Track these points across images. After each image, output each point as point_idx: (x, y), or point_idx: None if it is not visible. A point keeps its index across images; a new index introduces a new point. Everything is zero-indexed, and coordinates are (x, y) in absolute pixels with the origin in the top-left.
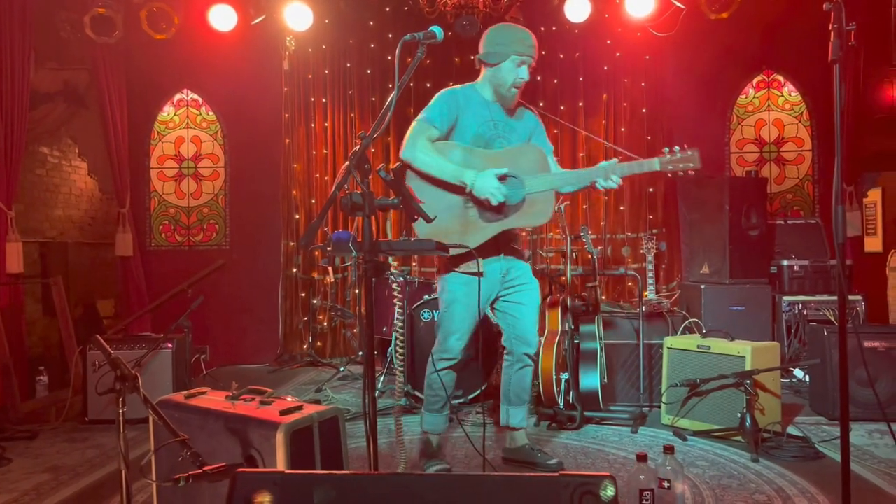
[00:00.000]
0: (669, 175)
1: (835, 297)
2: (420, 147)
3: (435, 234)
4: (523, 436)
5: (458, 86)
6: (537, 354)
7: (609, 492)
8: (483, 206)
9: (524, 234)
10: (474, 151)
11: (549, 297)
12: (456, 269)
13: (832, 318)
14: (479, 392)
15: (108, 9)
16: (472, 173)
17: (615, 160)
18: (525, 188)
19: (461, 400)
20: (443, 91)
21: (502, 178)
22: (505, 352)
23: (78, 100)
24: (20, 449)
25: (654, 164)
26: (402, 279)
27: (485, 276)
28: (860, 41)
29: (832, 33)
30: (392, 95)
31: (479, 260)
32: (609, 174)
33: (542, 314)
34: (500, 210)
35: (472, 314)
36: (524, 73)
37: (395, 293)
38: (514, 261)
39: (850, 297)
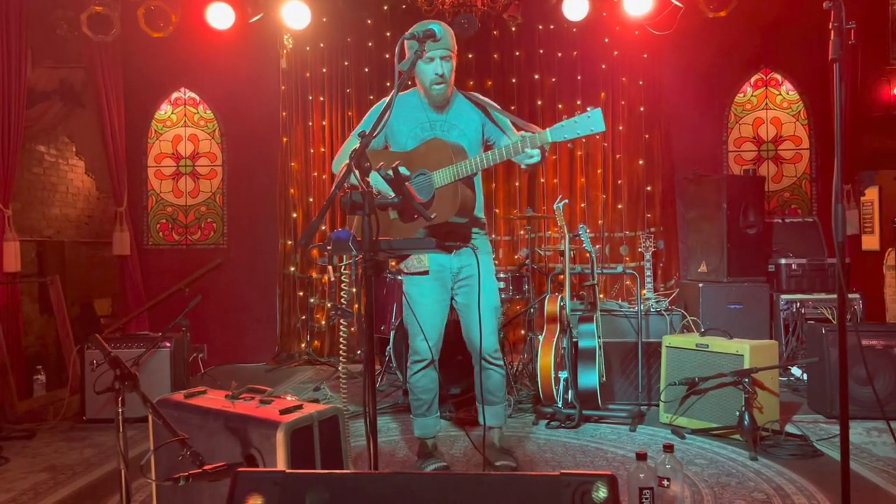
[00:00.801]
0: (570, 144)
1: (832, 296)
2: (338, 159)
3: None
4: (495, 434)
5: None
6: (495, 357)
7: (601, 493)
8: (396, 208)
9: (522, 232)
10: (386, 154)
11: (547, 296)
12: (405, 271)
13: (830, 317)
14: (458, 391)
15: (105, 7)
16: (374, 174)
17: (518, 139)
18: (434, 183)
19: (458, 396)
20: (379, 102)
21: (403, 177)
22: None
23: (75, 98)
24: (17, 448)
25: (545, 135)
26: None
27: (430, 273)
28: (858, 40)
29: (832, 32)
30: (391, 94)
31: (422, 257)
32: (519, 152)
33: (541, 312)
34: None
35: (429, 313)
36: (438, 68)
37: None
38: (467, 258)
39: (849, 296)
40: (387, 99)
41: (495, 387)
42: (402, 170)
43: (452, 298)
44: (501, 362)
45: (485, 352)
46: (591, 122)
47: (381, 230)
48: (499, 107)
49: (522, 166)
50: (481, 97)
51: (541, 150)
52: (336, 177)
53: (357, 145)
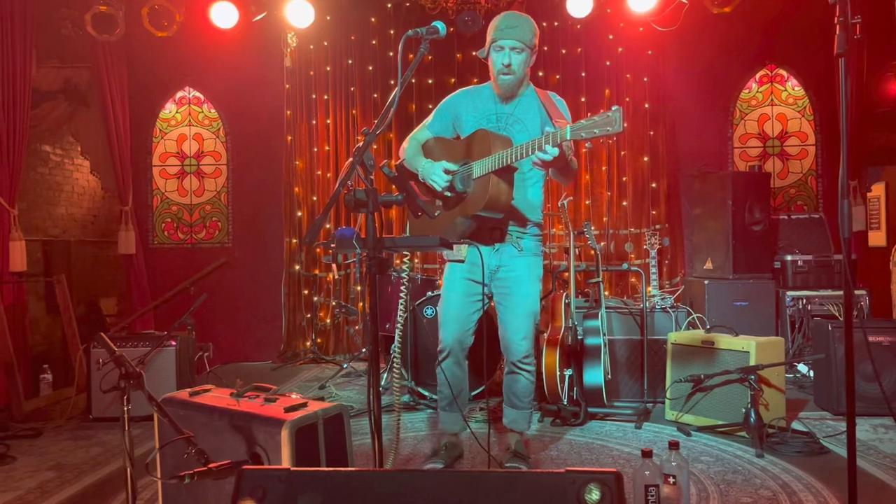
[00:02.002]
0: (589, 144)
1: (838, 292)
2: (403, 145)
3: (418, 229)
4: (513, 438)
5: (473, 86)
6: (525, 363)
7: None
8: (441, 196)
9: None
10: (439, 141)
11: (552, 293)
12: (446, 258)
13: (836, 313)
14: (481, 389)
15: (110, 6)
16: (426, 162)
17: (540, 137)
18: (472, 174)
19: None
20: (450, 95)
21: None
22: None
23: (80, 98)
24: (24, 447)
25: (565, 132)
26: (404, 275)
27: (466, 261)
28: (863, 35)
29: (838, 27)
30: (395, 92)
31: (462, 247)
32: (535, 150)
33: (546, 310)
34: (458, 199)
35: (455, 304)
36: (505, 58)
37: (403, 290)
38: (508, 257)
39: (855, 292)
40: (465, 89)
41: (522, 392)
42: (447, 164)
43: (491, 296)
44: (532, 368)
45: (515, 356)
46: (610, 121)
47: (431, 226)
48: (567, 114)
49: (546, 170)
50: (556, 98)
51: (560, 151)
52: (339, 174)
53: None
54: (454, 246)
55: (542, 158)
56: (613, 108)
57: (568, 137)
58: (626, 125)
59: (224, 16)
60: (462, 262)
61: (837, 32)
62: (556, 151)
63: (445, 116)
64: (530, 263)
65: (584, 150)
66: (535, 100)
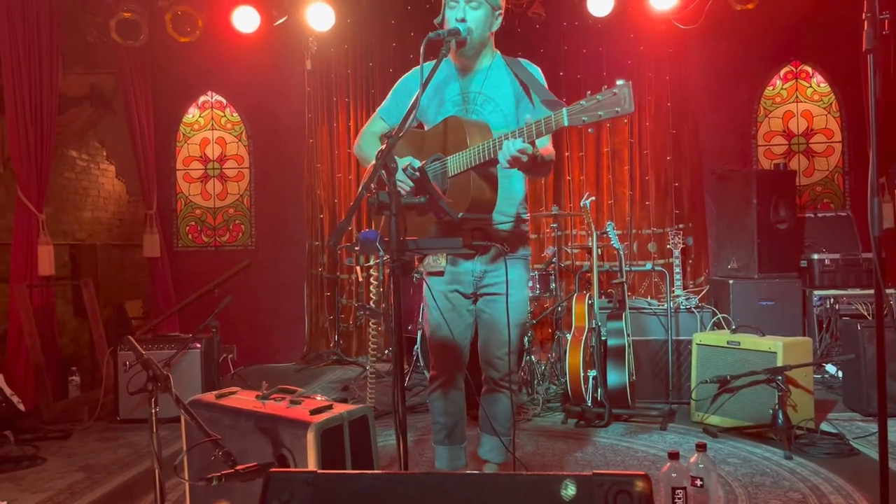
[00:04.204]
0: (590, 129)
1: (867, 291)
2: (358, 141)
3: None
4: (490, 470)
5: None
6: (508, 380)
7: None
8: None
9: (548, 230)
10: (407, 136)
11: (575, 294)
12: (424, 270)
13: (865, 313)
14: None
15: (134, 13)
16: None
17: (531, 123)
18: (448, 170)
19: None
20: (404, 76)
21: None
22: None
23: (105, 103)
24: (54, 448)
25: (561, 117)
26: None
27: (445, 274)
28: (892, 30)
29: (865, 22)
30: (417, 94)
31: (440, 257)
32: (531, 136)
33: (569, 310)
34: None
35: (444, 323)
36: (460, 12)
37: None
38: (496, 264)
39: (886, 291)
40: (413, 72)
41: (503, 414)
42: (411, 160)
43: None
44: (515, 387)
45: (499, 372)
46: (617, 99)
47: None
48: (544, 81)
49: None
50: (529, 65)
51: (533, 145)
52: (363, 177)
53: (378, 130)
54: (429, 257)
55: (519, 152)
56: (619, 83)
57: (566, 124)
58: (633, 107)
59: (246, 21)
60: (442, 274)
61: (866, 28)
62: (546, 142)
63: (403, 102)
64: (519, 265)
65: (605, 150)
66: (505, 72)
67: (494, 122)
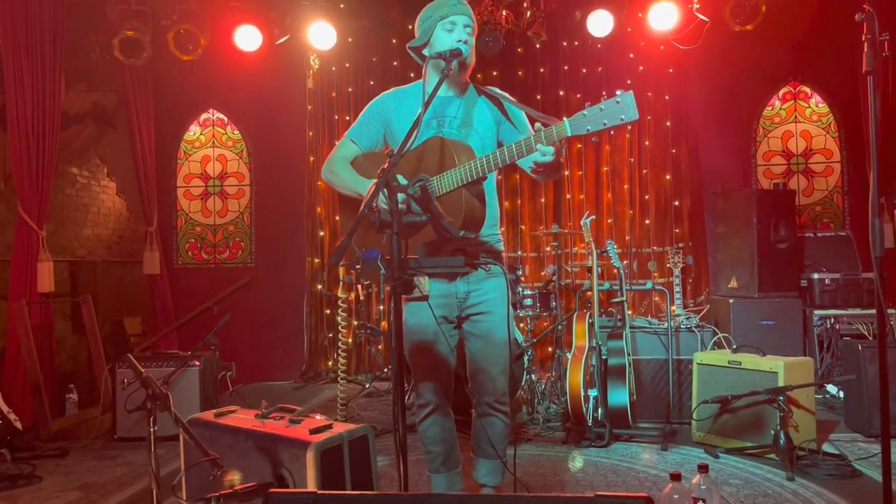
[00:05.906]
0: (594, 138)
1: (868, 311)
2: (328, 166)
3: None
4: (488, 493)
5: (398, 87)
6: (502, 402)
7: None
8: (425, 227)
9: (548, 248)
10: (370, 157)
11: (575, 313)
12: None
13: (865, 333)
14: None
15: (137, 31)
16: (367, 183)
17: (530, 136)
18: (434, 191)
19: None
20: (375, 99)
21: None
22: None
23: (107, 120)
24: (51, 467)
25: (563, 127)
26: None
27: (431, 299)
28: (891, 51)
29: (865, 44)
30: (419, 113)
31: (423, 281)
32: (532, 149)
33: (569, 329)
34: (415, 225)
35: (430, 350)
36: (462, 34)
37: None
38: (479, 281)
39: (888, 311)
40: (389, 92)
41: (498, 437)
42: (400, 178)
43: (459, 328)
44: (508, 409)
45: (492, 395)
46: (620, 108)
47: (381, 246)
48: (514, 99)
49: (531, 172)
50: (496, 90)
51: (556, 150)
52: (364, 197)
53: (360, 154)
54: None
55: (538, 162)
56: (620, 93)
57: (569, 133)
58: (637, 115)
59: (248, 39)
60: (426, 299)
61: (865, 50)
62: (551, 153)
63: (374, 126)
64: (501, 284)
65: (605, 169)
66: (479, 98)
67: (475, 147)
